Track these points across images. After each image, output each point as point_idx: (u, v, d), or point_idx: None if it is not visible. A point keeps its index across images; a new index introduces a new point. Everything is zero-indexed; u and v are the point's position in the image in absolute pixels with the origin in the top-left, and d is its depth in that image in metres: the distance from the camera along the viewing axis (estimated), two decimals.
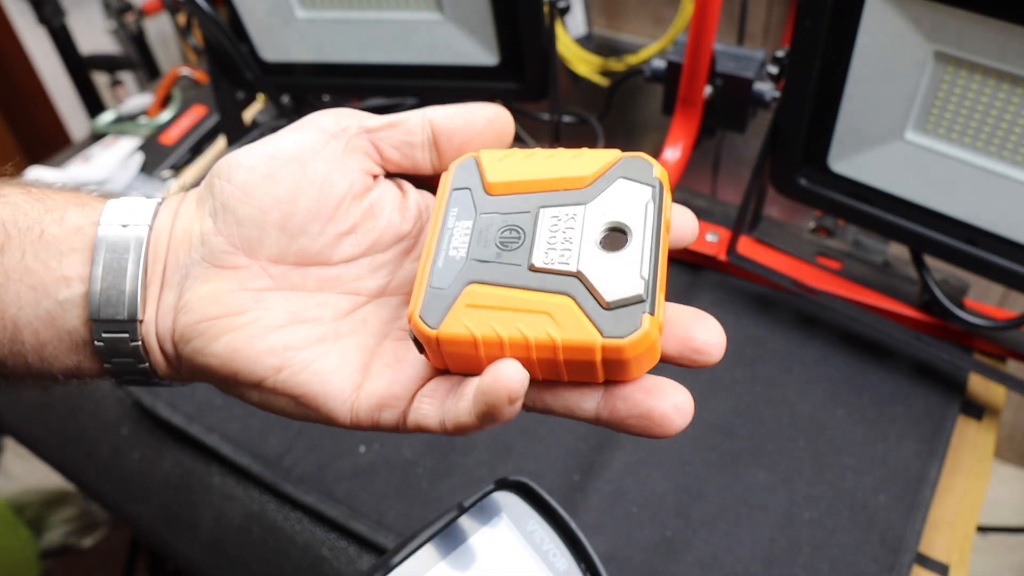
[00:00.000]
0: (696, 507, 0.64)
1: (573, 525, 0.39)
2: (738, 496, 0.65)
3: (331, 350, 0.32)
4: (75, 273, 0.32)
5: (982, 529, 1.29)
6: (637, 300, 0.28)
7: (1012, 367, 0.72)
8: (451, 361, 0.30)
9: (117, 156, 1.00)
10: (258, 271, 0.33)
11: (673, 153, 0.83)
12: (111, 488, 0.77)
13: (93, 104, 1.46)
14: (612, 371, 0.28)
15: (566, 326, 0.28)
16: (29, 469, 1.49)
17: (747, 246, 0.79)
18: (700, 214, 0.84)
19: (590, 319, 0.28)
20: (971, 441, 0.69)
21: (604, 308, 0.28)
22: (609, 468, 0.67)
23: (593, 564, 0.38)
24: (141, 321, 0.33)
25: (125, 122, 1.06)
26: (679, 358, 0.29)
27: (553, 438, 0.69)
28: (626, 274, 0.28)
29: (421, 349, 0.30)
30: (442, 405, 0.30)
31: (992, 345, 0.72)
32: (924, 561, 0.62)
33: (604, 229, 0.30)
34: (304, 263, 0.33)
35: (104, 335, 0.32)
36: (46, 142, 1.75)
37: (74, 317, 0.32)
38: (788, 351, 0.73)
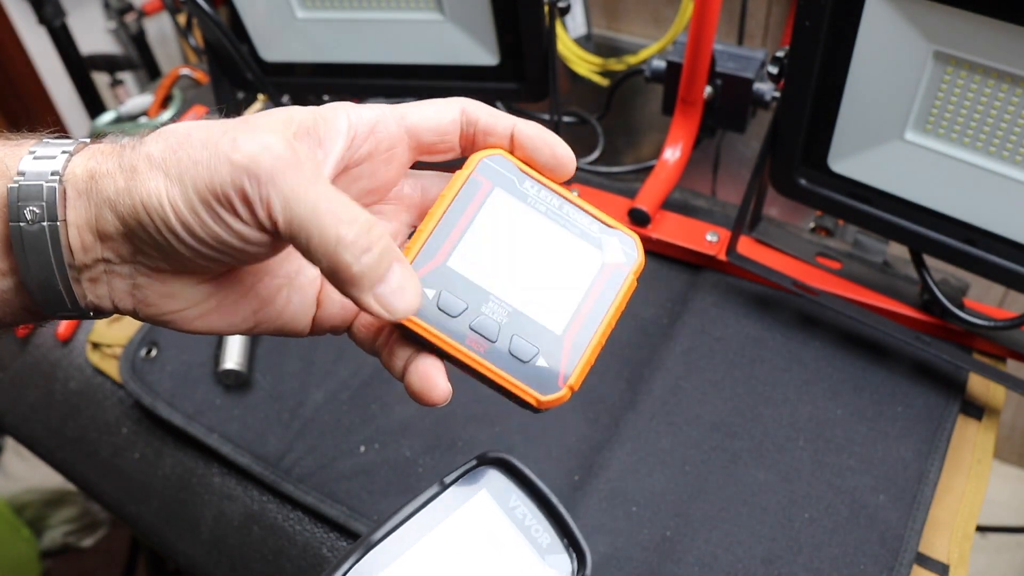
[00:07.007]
0: (696, 507, 0.64)
1: (555, 500, 0.38)
2: (738, 496, 0.65)
3: None
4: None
5: (982, 529, 1.29)
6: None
7: (1012, 367, 0.72)
8: None
9: None
10: None
11: (673, 153, 0.83)
12: (111, 488, 0.77)
13: (93, 104, 1.46)
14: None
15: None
16: (29, 469, 1.49)
17: (747, 246, 0.79)
18: (700, 214, 0.84)
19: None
20: (971, 441, 0.69)
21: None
22: (609, 468, 0.67)
23: (575, 539, 0.38)
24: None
25: (125, 122, 1.06)
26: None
27: (553, 438, 0.69)
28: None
29: None
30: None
31: (992, 345, 0.72)
32: (924, 561, 0.62)
33: None
34: None
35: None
36: None
37: None
38: (788, 351, 0.73)
